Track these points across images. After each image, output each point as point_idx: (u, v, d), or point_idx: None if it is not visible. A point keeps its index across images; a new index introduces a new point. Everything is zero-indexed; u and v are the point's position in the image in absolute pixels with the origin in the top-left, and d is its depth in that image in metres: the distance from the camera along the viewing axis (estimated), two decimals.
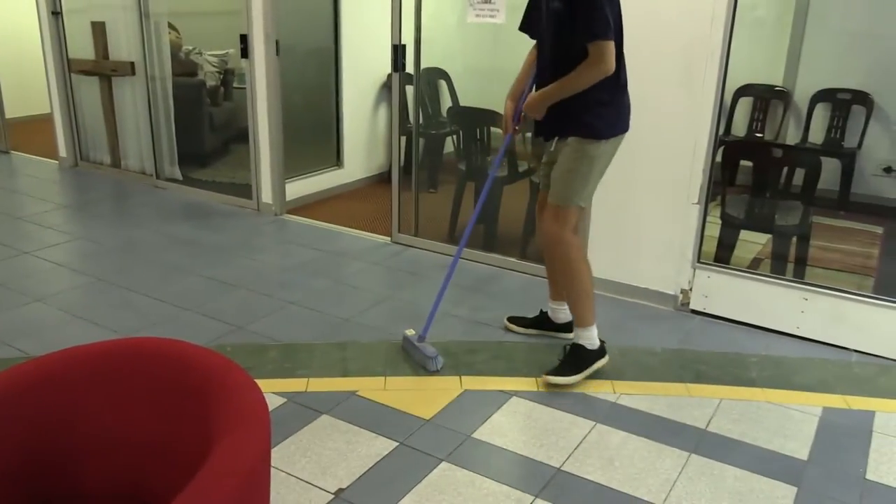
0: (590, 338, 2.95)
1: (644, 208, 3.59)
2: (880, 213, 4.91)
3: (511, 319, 3.39)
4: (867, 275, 4.06)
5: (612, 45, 2.59)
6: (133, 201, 5.40)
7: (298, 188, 5.23)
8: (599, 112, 2.76)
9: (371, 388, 2.88)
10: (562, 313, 3.25)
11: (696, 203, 3.44)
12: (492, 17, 3.92)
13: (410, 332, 3.17)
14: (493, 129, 4.46)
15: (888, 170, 5.00)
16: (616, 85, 2.75)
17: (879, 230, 4.73)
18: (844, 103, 5.17)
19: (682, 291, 3.60)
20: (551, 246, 2.97)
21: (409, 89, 4.66)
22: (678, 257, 3.54)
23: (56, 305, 3.57)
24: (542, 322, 3.33)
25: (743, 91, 5.45)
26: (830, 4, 5.19)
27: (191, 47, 6.40)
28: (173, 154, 5.64)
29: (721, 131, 3.45)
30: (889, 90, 5.00)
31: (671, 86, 3.37)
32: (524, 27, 3.00)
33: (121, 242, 4.49)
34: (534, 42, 3.02)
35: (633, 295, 3.67)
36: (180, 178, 5.64)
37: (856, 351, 3.24)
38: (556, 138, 2.93)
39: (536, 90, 2.89)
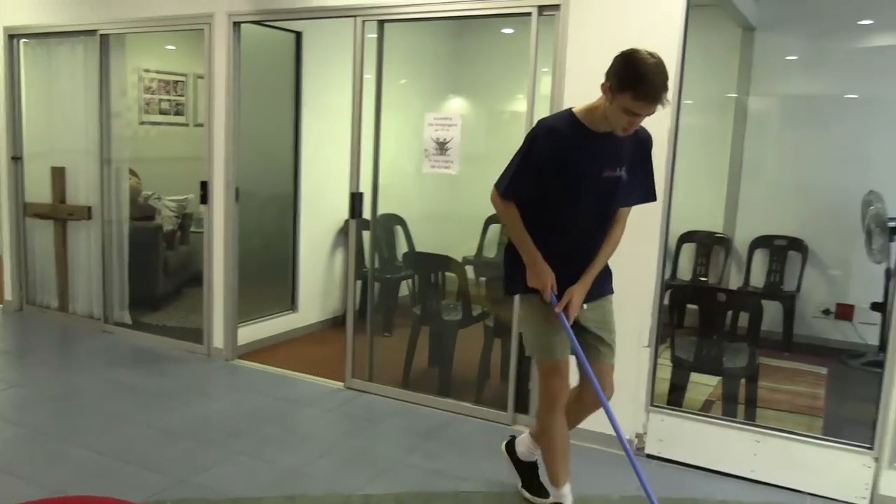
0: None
1: None
2: (823, 354, 5.03)
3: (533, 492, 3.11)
4: (815, 415, 4.10)
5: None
6: (78, 346, 5.25)
7: (251, 332, 5.17)
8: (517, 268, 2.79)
9: None
10: None
11: (647, 346, 3.49)
12: (446, 168, 4.10)
13: None
14: (447, 273, 4.54)
15: (826, 312, 5.19)
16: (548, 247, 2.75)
17: (824, 370, 4.83)
18: (781, 249, 5.44)
19: (637, 436, 3.57)
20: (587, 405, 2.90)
21: (366, 234, 4.76)
22: (632, 400, 3.54)
23: None
24: None
25: (686, 237, 5.71)
26: (763, 157, 5.58)
27: (150, 192, 6.50)
28: (124, 298, 5.57)
29: (667, 275, 3.57)
30: (821, 237, 5.29)
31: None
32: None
33: (62, 390, 4.33)
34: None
35: (588, 440, 3.62)
36: (130, 322, 5.54)
37: (809, 494, 3.22)
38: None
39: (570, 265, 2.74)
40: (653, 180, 2.77)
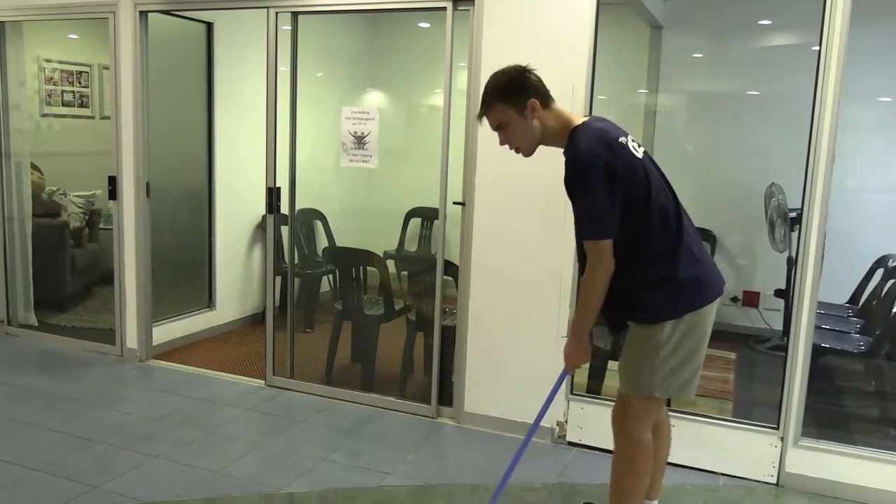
0: None
1: (517, 343, 3.69)
2: (732, 340, 5.27)
3: None
4: (726, 399, 4.29)
5: (606, 244, 2.32)
6: None
7: (167, 332, 5.01)
8: (654, 292, 2.42)
9: None
10: None
11: (565, 336, 3.57)
12: (365, 161, 4.08)
13: None
14: (368, 268, 4.52)
15: (734, 299, 5.43)
16: (671, 256, 2.41)
17: (733, 356, 5.06)
18: None
19: (559, 424, 3.66)
20: (615, 436, 2.62)
21: (285, 229, 4.69)
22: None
23: None
24: None
25: None
26: (671, 151, 5.78)
27: (54, 188, 6.20)
28: (29, 299, 5.30)
29: None
30: (727, 227, 5.53)
31: (537, 227, 3.58)
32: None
33: None
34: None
35: (510, 429, 3.68)
36: (35, 324, 5.28)
37: (722, 474, 3.37)
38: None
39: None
40: (580, 213, 2.37)
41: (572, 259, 3.51)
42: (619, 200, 2.31)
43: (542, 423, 3.58)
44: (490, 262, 3.73)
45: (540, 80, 2.45)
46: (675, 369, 2.46)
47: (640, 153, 2.43)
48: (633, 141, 2.45)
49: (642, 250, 2.39)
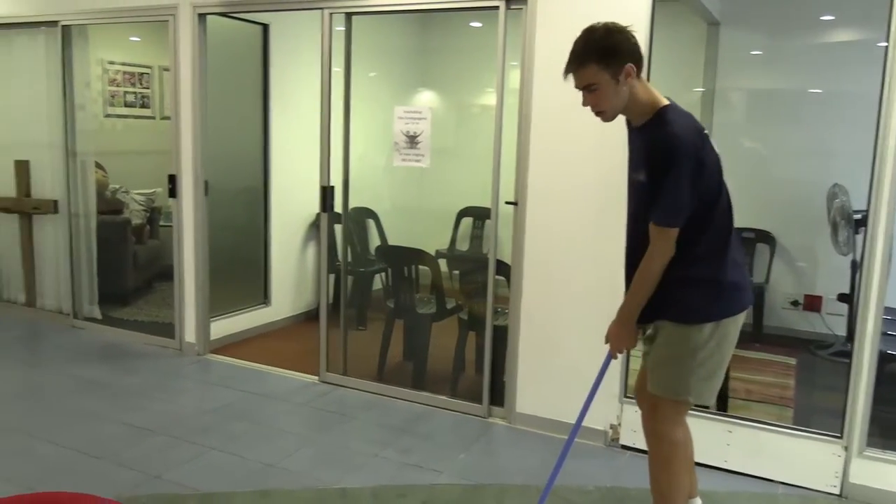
0: None
1: (569, 344, 3.66)
2: (792, 345, 5.13)
3: None
4: (786, 406, 4.18)
5: (674, 232, 2.27)
6: (46, 342, 5.16)
7: (224, 327, 5.12)
8: (695, 290, 2.36)
9: None
10: None
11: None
12: (417, 161, 4.10)
13: None
14: (420, 267, 4.54)
15: (795, 303, 5.28)
16: (718, 257, 2.35)
17: (793, 361, 4.93)
18: (750, 241, 5.51)
19: (612, 427, 3.61)
20: (648, 438, 2.57)
21: (338, 227, 4.74)
22: (605, 392, 3.58)
23: None
24: None
25: None
26: (729, 151, 5.65)
27: (117, 186, 6.40)
28: (93, 293, 5.48)
29: None
30: (788, 229, 5.38)
31: (591, 227, 3.54)
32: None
33: (30, 386, 4.25)
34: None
35: (562, 431, 3.65)
36: (99, 317, 5.46)
37: (781, 483, 3.29)
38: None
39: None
40: (660, 197, 2.25)
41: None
42: (698, 191, 2.25)
43: (595, 427, 3.59)
44: (543, 262, 3.71)
45: (637, 44, 2.33)
46: (710, 375, 2.40)
47: (717, 149, 2.39)
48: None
49: (693, 246, 2.32)
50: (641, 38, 3.33)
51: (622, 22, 2.37)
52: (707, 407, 2.64)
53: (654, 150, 2.26)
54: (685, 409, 2.49)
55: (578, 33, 2.37)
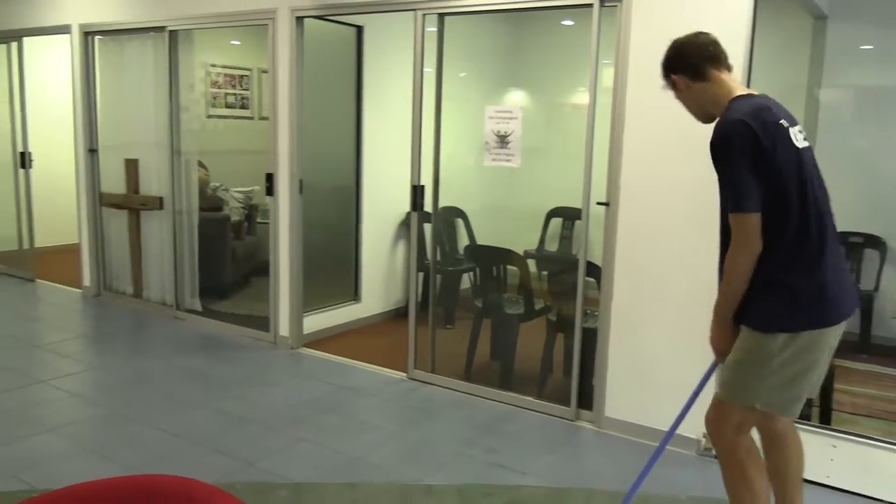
0: None
1: (662, 348, 3.57)
2: None
3: None
4: (895, 421, 3.94)
5: (753, 218, 2.19)
6: (151, 332, 5.44)
7: (315, 322, 5.26)
8: (773, 297, 2.25)
9: None
10: None
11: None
12: (507, 161, 4.08)
13: None
14: (508, 266, 4.52)
15: None
16: (805, 264, 2.22)
17: None
18: (857, 246, 5.23)
19: (705, 435, 3.50)
20: (712, 440, 2.49)
21: (427, 227, 4.78)
22: (701, 399, 3.46)
23: (65, 436, 3.53)
24: None
25: None
26: (835, 150, 5.37)
27: (217, 184, 6.66)
28: (194, 286, 5.74)
29: None
30: None
31: (685, 229, 3.44)
32: None
33: (136, 373, 4.49)
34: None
35: (652, 438, 3.57)
36: (200, 309, 5.71)
37: (888, 502, 3.10)
38: None
39: None
40: (722, 184, 2.27)
41: None
42: (764, 179, 2.18)
43: (687, 434, 3.49)
44: (635, 264, 3.63)
45: (704, 47, 2.40)
46: (783, 385, 2.28)
47: (800, 143, 2.29)
48: (799, 131, 2.31)
49: (775, 250, 2.22)
50: (742, 33, 3.22)
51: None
52: (801, 418, 2.51)
53: (711, 139, 2.25)
54: (752, 416, 2.39)
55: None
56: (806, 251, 2.22)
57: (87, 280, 6.32)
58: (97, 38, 6.00)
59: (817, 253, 2.23)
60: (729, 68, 2.41)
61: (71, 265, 6.51)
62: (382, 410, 4.05)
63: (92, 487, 1.72)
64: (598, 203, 3.73)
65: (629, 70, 3.53)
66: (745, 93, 2.34)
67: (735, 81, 2.40)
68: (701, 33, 2.43)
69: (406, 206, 4.53)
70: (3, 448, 3.39)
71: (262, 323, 5.20)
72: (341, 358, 4.84)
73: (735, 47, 3.25)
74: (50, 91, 7.26)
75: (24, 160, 6.70)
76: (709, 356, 2.52)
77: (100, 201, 6.18)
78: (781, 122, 2.26)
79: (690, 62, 2.40)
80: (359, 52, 5.49)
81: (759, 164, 2.17)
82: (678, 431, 3.27)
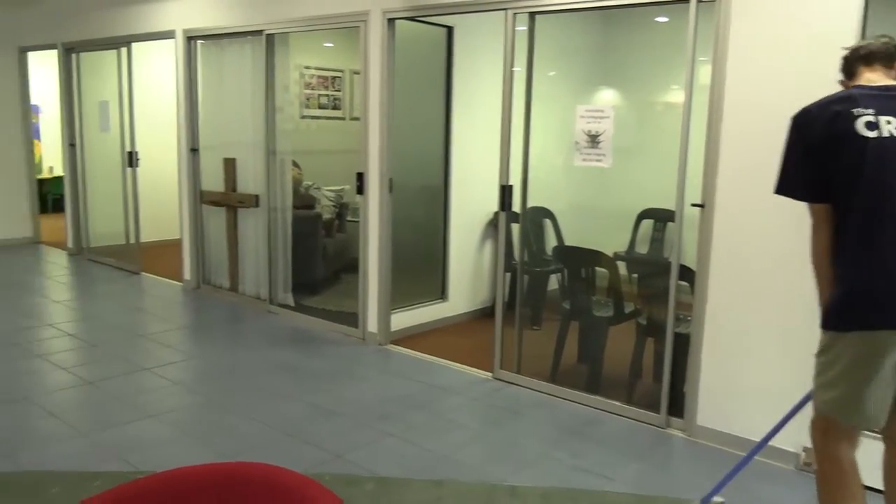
0: None
1: (759, 357, 3.43)
2: None
3: None
4: None
5: (814, 206, 2.25)
6: (246, 325, 5.64)
7: (403, 319, 5.33)
8: (833, 293, 2.25)
9: None
10: None
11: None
12: (598, 161, 4.02)
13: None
14: (597, 268, 4.45)
15: None
16: (856, 262, 2.19)
17: None
18: None
19: (805, 450, 3.34)
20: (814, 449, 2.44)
21: (515, 227, 4.76)
22: (803, 411, 3.31)
23: (167, 423, 3.71)
24: None
25: None
26: None
27: (310, 182, 6.85)
28: (287, 281, 5.92)
29: None
30: None
31: (787, 232, 3.30)
32: None
33: (231, 364, 4.67)
34: None
35: (747, 449, 3.43)
36: (292, 304, 5.88)
37: None
38: None
39: None
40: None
41: None
42: (821, 170, 2.21)
43: (785, 448, 3.34)
44: (732, 267, 3.51)
45: (853, 53, 2.39)
46: (829, 385, 2.25)
47: (884, 132, 2.15)
48: (888, 123, 2.17)
49: (836, 244, 2.24)
50: (853, 27, 3.06)
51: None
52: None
53: None
54: (834, 422, 2.29)
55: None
56: (864, 249, 2.17)
57: (187, 274, 6.62)
58: (199, 42, 6.27)
59: (875, 253, 2.16)
60: (888, 65, 2.33)
61: (173, 259, 6.83)
62: (468, 409, 4.07)
63: (191, 472, 1.80)
64: (693, 205, 3.62)
65: (727, 67, 3.41)
66: (858, 84, 2.32)
67: (877, 75, 2.32)
68: (883, 36, 2.39)
69: (494, 205, 4.53)
70: (111, 431, 3.60)
71: (352, 319, 5.31)
72: (428, 356, 4.89)
73: (844, 42, 3.09)
74: (155, 94, 7.64)
75: (131, 159, 7.09)
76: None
77: (200, 199, 6.46)
78: (854, 110, 2.17)
79: (845, 63, 2.43)
80: (449, 52, 5.52)
81: (814, 150, 2.22)
82: (777, 444, 3.15)
